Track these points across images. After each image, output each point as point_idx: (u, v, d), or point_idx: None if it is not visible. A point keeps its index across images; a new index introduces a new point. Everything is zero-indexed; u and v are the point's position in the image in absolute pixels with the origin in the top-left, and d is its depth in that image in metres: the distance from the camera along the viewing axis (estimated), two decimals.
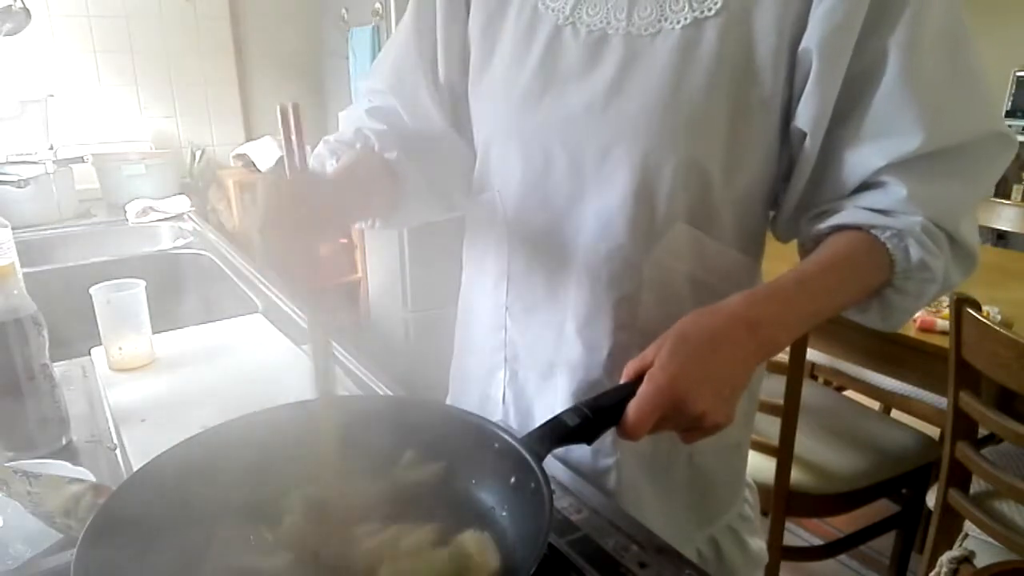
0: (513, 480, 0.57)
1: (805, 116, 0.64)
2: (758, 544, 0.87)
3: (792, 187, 0.69)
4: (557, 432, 0.57)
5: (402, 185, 0.79)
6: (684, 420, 0.57)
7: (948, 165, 0.63)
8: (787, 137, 0.68)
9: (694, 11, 0.64)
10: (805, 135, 0.65)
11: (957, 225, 0.65)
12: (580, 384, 0.75)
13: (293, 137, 0.58)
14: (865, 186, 0.65)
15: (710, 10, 0.63)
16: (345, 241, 2.66)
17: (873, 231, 0.64)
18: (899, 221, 0.63)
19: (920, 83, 0.61)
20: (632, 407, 0.56)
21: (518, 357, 0.80)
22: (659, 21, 0.65)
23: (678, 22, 0.64)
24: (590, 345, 0.73)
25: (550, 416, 0.77)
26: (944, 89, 0.62)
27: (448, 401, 0.94)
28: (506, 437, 0.58)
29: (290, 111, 0.58)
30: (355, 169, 0.75)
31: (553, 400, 0.77)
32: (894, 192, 0.63)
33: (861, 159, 0.64)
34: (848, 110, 0.64)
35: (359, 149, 0.79)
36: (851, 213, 0.65)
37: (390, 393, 0.97)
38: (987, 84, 0.64)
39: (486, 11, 0.75)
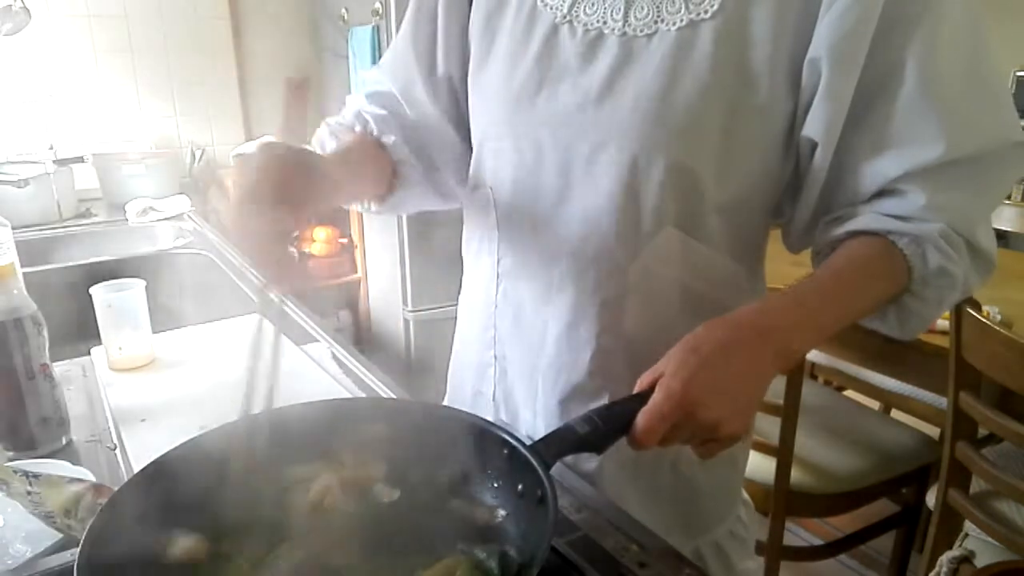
0: (520, 487, 0.57)
1: (815, 126, 0.63)
2: (746, 566, 0.84)
3: (805, 197, 0.68)
4: (566, 440, 0.57)
5: (398, 169, 0.81)
6: (698, 429, 0.56)
7: (966, 173, 0.62)
8: (790, 146, 0.67)
9: (690, 13, 0.63)
10: (815, 145, 0.64)
11: (974, 231, 0.64)
12: (564, 385, 0.74)
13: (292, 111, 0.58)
14: (882, 192, 0.64)
15: (706, 12, 0.62)
16: (345, 241, 2.66)
17: (891, 236, 0.63)
18: (917, 227, 0.62)
19: (940, 92, 0.60)
20: (642, 415, 0.55)
21: (507, 355, 0.80)
22: (655, 22, 0.65)
23: (674, 23, 0.64)
24: (574, 347, 0.73)
25: (536, 415, 0.78)
26: (964, 98, 0.61)
27: (446, 397, 0.94)
28: (515, 443, 0.58)
29: (295, 85, 0.58)
30: (350, 150, 0.78)
31: (539, 400, 0.77)
32: (913, 200, 0.62)
33: (879, 168, 0.63)
34: (861, 118, 0.63)
35: (357, 132, 0.81)
36: (868, 219, 0.64)
37: (391, 394, 0.97)
38: (1006, 90, 0.63)
39: (486, 7, 0.75)
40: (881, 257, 0.63)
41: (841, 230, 0.66)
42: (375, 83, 0.86)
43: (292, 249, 0.60)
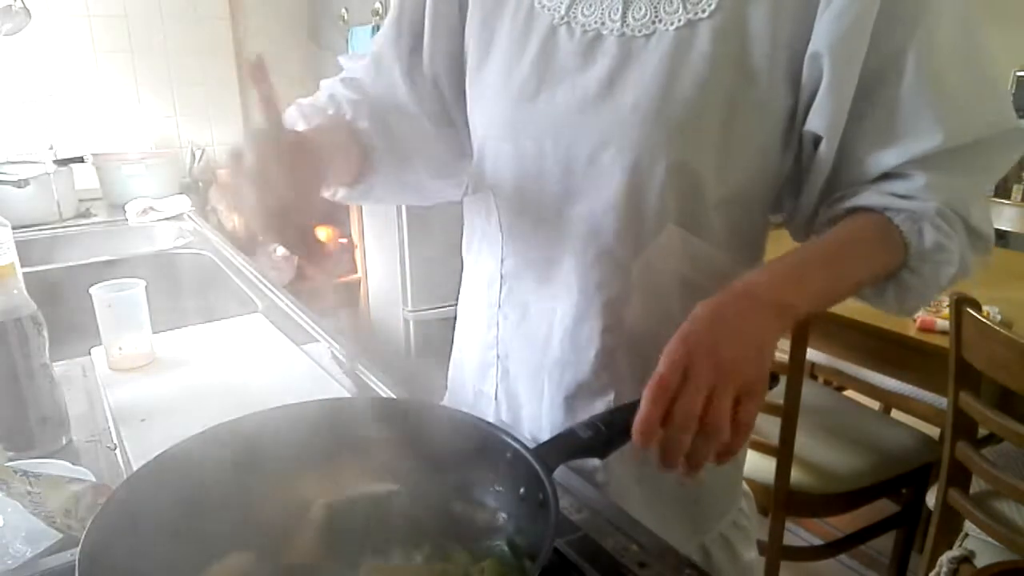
0: (522, 491, 0.57)
1: (819, 120, 0.64)
2: (750, 556, 0.85)
3: (808, 190, 0.69)
4: (570, 445, 0.57)
5: (369, 156, 0.78)
6: (712, 373, 0.53)
7: (964, 159, 0.63)
8: (789, 141, 0.68)
9: (688, 12, 0.63)
10: (818, 139, 0.65)
11: (968, 211, 0.65)
12: (570, 383, 0.75)
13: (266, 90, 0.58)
14: (883, 176, 0.65)
15: (704, 11, 0.63)
16: (345, 241, 2.66)
17: (887, 213, 0.64)
18: (914, 204, 0.63)
19: (940, 84, 0.61)
20: (648, 386, 0.53)
21: (509, 355, 0.80)
22: (653, 22, 0.65)
23: (672, 23, 0.64)
24: (578, 346, 0.73)
25: (542, 414, 0.78)
26: (962, 89, 0.62)
27: (446, 396, 0.94)
28: (518, 447, 0.58)
29: (259, 63, 0.57)
30: (319, 133, 0.73)
31: (542, 399, 0.77)
32: (914, 180, 0.63)
33: (880, 158, 0.64)
34: (862, 109, 0.64)
35: (330, 115, 0.79)
36: (867, 196, 0.65)
37: (391, 394, 0.97)
38: (1002, 80, 0.64)
39: (483, 8, 0.75)
40: (874, 229, 0.64)
41: (841, 207, 0.67)
42: (351, 71, 0.85)
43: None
